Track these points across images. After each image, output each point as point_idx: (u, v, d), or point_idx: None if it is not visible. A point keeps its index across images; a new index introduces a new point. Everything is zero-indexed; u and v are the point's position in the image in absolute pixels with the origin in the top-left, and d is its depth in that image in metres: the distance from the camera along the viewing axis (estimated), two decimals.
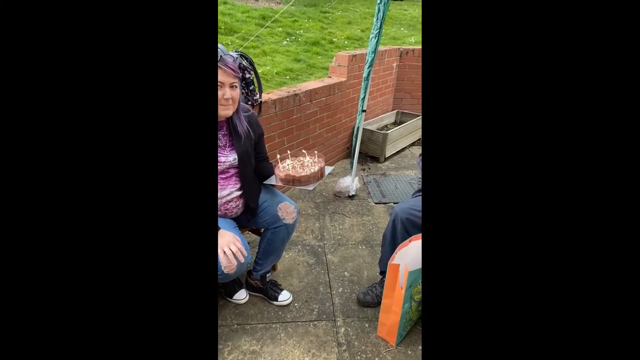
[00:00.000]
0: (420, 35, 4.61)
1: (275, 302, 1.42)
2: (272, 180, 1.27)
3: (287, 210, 1.28)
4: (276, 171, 1.23)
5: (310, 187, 1.19)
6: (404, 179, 2.53)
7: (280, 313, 1.39)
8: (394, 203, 2.23)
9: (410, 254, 1.27)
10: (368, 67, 1.90)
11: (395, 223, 1.36)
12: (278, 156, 1.31)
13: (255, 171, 1.28)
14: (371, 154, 2.82)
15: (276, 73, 3.10)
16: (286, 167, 1.22)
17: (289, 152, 1.30)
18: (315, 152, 1.31)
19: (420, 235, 1.30)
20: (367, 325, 1.35)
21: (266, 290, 1.43)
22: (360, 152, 2.78)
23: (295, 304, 1.43)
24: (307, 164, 1.25)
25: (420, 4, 6.86)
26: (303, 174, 1.18)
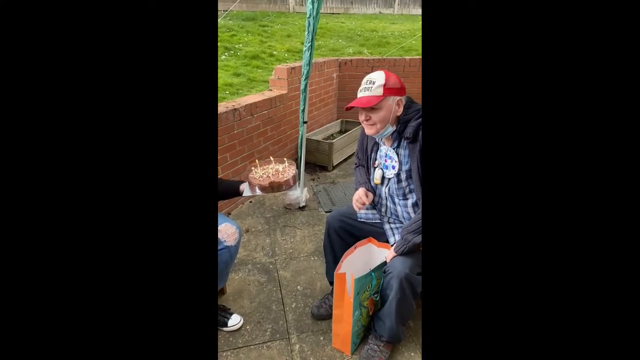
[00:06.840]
0: (357, 47, 4.81)
1: (225, 329, 1.34)
2: (247, 192, 1.25)
3: (227, 231, 1.23)
4: (252, 181, 1.23)
5: (291, 190, 1.22)
6: (352, 186, 2.58)
7: (231, 339, 1.32)
8: None
9: (356, 262, 1.28)
10: (304, 80, 1.93)
11: (329, 233, 1.37)
12: (253, 167, 1.32)
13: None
14: (319, 163, 2.85)
15: None
16: (263, 175, 1.24)
17: (257, 161, 1.32)
18: (285, 159, 1.33)
19: (364, 241, 1.33)
20: (322, 338, 1.33)
21: None
22: (309, 162, 2.79)
23: (247, 327, 1.37)
24: (282, 169, 1.28)
25: (355, 17, 7.18)
26: (285, 179, 1.21)
